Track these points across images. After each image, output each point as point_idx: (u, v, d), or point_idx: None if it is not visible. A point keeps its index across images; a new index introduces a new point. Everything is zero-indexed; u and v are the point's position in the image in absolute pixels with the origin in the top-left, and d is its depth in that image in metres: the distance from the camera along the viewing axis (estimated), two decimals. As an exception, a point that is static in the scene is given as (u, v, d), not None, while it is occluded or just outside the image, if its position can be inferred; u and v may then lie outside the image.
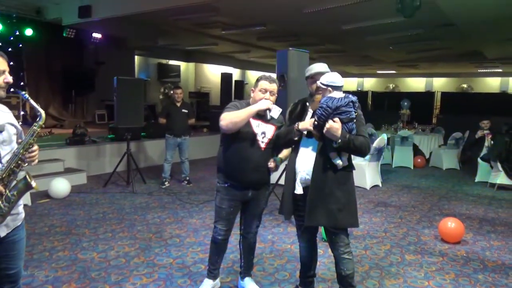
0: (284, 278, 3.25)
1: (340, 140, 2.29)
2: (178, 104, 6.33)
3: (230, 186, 2.74)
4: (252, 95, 2.74)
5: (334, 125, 2.28)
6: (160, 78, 14.36)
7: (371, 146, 6.02)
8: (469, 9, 6.50)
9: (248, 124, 2.64)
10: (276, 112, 2.64)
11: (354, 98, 2.38)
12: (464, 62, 13.69)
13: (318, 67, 2.56)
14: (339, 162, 2.37)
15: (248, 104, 2.71)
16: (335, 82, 2.39)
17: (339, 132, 2.29)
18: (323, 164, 2.41)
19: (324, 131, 2.31)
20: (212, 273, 2.93)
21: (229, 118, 2.54)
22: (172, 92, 6.59)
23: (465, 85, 18.14)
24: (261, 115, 2.67)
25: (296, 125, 2.49)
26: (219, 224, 2.81)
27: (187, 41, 12.21)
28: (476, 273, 3.47)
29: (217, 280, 2.97)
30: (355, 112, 2.36)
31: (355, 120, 2.38)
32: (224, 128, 2.57)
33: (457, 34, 8.80)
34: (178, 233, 4.21)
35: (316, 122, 2.37)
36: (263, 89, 2.65)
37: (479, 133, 7.64)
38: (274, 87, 2.68)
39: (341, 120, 2.31)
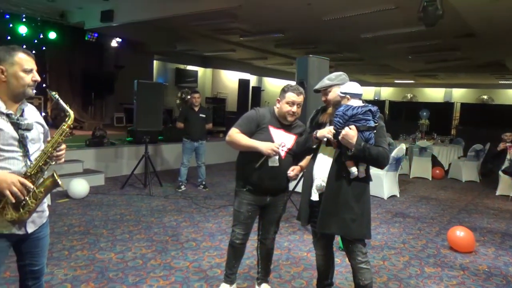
0: (301, 286, 3.21)
1: (354, 148, 2.26)
2: (196, 109, 6.37)
3: (248, 190, 2.73)
4: (277, 105, 2.72)
5: (350, 132, 2.26)
6: (177, 83, 14.51)
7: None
8: (492, 19, 6.40)
9: (268, 133, 2.65)
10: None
11: (374, 108, 2.36)
12: (485, 73, 13.46)
13: (320, 82, 2.58)
14: (354, 171, 2.34)
15: (271, 113, 2.72)
16: (353, 90, 2.40)
17: (354, 139, 2.26)
18: (338, 172, 2.38)
19: (339, 137, 2.30)
20: (229, 278, 2.92)
21: (232, 139, 2.66)
22: (189, 96, 6.63)
23: (485, 97, 17.82)
24: (282, 124, 2.68)
25: (315, 133, 2.48)
26: (237, 228, 2.80)
27: (205, 47, 12.33)
28: (499, 288, 3.37)
29: (234, 285, 2.95)
30: (375, 123, 2.34)
31: (374, 131, 2.34)
32: (226, 142, 2.73)
33: (479, 45, 8.67)
34: (194, 237, 4.22)
35: (334, 130, 2.36)
36: (290, 102, 2.63)
37: (501, 146, 7.46)
38: (301, 99, 2.66)
39: (357, 128, 2.29)
